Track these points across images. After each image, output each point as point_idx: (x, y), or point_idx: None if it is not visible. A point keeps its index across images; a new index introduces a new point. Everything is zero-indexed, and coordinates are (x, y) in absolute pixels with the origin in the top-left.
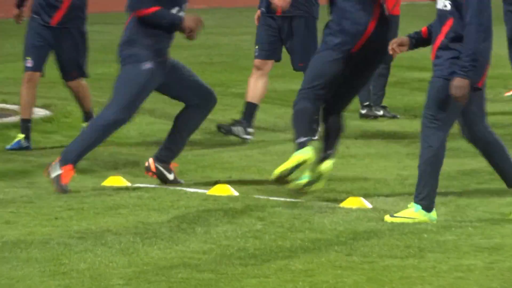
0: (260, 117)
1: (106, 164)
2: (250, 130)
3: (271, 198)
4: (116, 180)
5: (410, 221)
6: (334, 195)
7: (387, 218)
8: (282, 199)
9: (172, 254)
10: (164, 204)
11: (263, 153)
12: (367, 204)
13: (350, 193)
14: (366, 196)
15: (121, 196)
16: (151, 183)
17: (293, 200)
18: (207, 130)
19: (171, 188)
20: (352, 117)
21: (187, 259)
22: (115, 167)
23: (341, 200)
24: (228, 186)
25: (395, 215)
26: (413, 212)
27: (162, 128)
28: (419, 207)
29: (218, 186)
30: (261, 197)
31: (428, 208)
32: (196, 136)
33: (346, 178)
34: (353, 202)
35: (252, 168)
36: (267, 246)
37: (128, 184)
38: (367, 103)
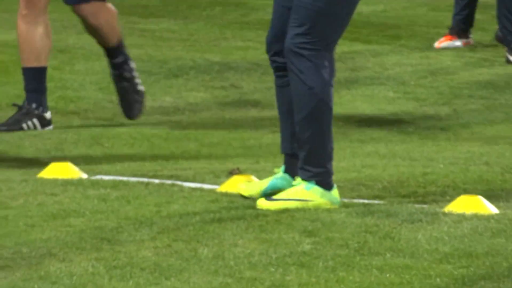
0: None
1: (46, 143)
2: None
3: None
4: (62, 169)
5: (300, 204)
6: (433, 191)
7: (261, 203)
8: (346, 199)
9: None
10: (144, 209)
11: None
12: (490, 208)
13: (460, 189)
14: (487, 194)
15: (72, 196)
16: (122, 174)
17: (364, 201)
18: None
19: (156, 182)
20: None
21: None
22: (59, 147)
23: (446, 201)
24: (253, 178)
25: (274, 197)
26: (303, 191)
27: None
28: (311, 184)
29: (234, 178)
30: None
31: (325, 184)
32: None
33: (448, 163)
34: (466, 204)
35: None
36: (321, 281)
37: (83, 175)
38: None
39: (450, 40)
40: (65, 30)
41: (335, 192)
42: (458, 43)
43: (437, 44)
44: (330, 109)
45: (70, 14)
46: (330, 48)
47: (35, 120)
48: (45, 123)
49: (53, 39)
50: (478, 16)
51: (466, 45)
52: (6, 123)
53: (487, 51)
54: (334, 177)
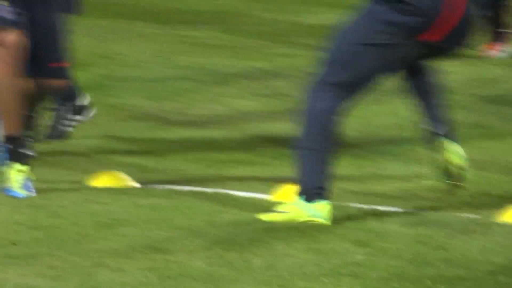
0: None
1: (95, 151)
2: None
3: (378, 207)
4: (113, 178)
5: (285, 217)
6: (486, 201)
7: (264, 215)
8: (398, 209)
9: None
10: (197, 219)
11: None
12: None
13: None
14: None
15: (123, 205)
16: (172, 183)
17: (415, 210)
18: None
19: (209, 191)
20: None
21: None
22: (109, 156)
23: (499, 211)
24: None
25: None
26: (293, 206)
27: None
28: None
29: (287, 187)
30: (363, 206)
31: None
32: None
33: (502, 173)
34: None
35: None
36: None
37: (134, 184)
38: None
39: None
40: (106, 35)
41: (321, 205)
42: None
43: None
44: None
45: (112, 21)
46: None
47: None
48: (77, 111)
49: (94, 45)
50: None
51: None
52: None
53: None
54: (386, 187)
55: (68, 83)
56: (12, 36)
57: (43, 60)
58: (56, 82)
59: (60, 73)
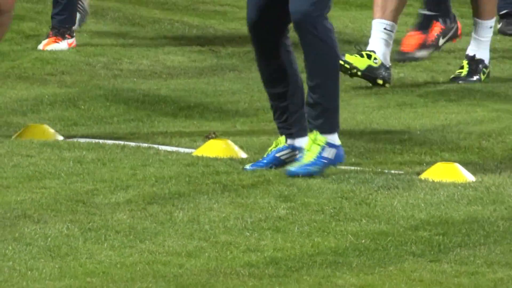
0: None
1: (20, 104)
2: None
3: None
4: (38, 131)
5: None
6: (409, 159)
7: None
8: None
9: (135, 257)
10: (120, 172)
11: None
12: (467, 175)
13: (437, 157)
14: (463, 162)
15: (47, 158)
16: (98, 137)
17: (340, 167)
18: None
19: (132, 145)
20: None
21: (160, 265)
22: (35, 109)
23: (422, 169)
24: (229, 143)
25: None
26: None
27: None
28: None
29: (211, 142)
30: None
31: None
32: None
33: (425, 130)
34: (442, 171)
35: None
36: (296, 246)
37: (59, 137)
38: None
39: None
40: None
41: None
42: None
43: None
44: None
45: None
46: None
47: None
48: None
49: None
50: None
51: None
52: None
53: None
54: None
55: None
56: None
57: None
58: None
59: None
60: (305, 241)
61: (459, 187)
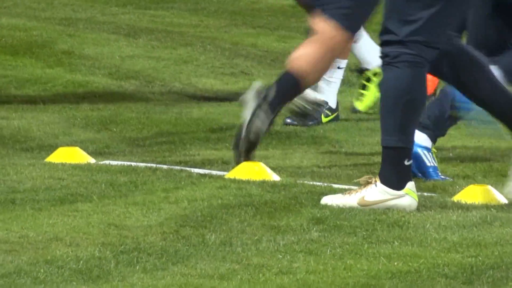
0: None
1: (52, 127)
2: None
3: (335, 185)
4: (70, 154)
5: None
6: (442, 181)
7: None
8: (352, 186)
9: (167, 279)
10: (152, 195)
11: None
12: (499, 198)
13: (470, 179)
14: (496, 184)
15: (79, 181)
16: (130, 159)
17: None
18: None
19: (165, 167)
20: None
21: (192, 286)
22: (67, 131)
23: (455, 191)
24: (262, 166)
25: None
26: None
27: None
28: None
29: (243, 165)
30: (320, 183)
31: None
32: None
33: (457, 152)
34: (475, 194)
35: (317, 138)
36: (329, 269)
37: (91, 160)
38: None
39: None
40: (75, 14)
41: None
42: None
43: None
44: None
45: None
46: None
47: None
48: None
49: (63, 23)
50: None
51: None
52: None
53: None
54: (341, 165)
55: None
56: None
57: None
58: None
59: None
60: (337, 263)
61: (492, 209)
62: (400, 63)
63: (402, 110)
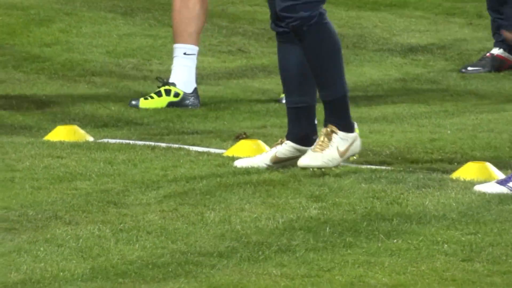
0: None
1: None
2: None
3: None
4: (68, 132)
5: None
6: (440, 158)
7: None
8: (354, 165)
9: (166, 257)
10: (151, 173)
11: None
12: (498, 174)
13: (468, 156)
14: (495, 161)
15: (78, 159)
16: (128, 137)
17: (372, 166)
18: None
19: (163, 145)
20: None
21: (192, 265)
22: (65, 110)
23: (454, 168)
24: (260, 143)
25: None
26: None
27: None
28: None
29: (242, 142)
30: None
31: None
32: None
33: (456, 129)
34: (474, 171)
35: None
36: (328, 246)
37: (89, 138)
38: None
39: None
40: None
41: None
42: None
43: None
44: None
45: None
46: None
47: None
48: None
49: (60, 2)
50: None
51: None
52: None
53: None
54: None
55: None
56: None
57: None
58: None
59: None
60: (336, 241)
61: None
62: (324, 20)
63: (339, 60)
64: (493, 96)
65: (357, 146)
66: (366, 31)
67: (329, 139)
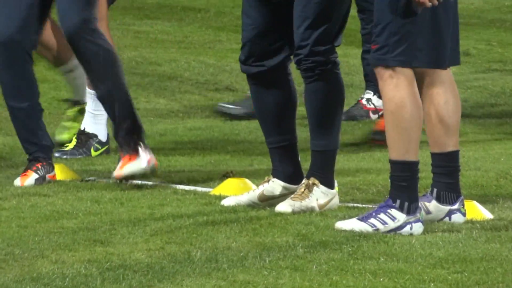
0: None
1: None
2: None
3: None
4: (55, 171)
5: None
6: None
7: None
8: (340, 204)
9: None
10: (138, 211)
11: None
12: (485, 213)
13: None
14: (482, 199)
15: (65, 198)
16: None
17: (358, 205)
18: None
19: (150, 184)
20: None
21: None
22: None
23: None
24: (246, 181)
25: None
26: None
27: None
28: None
29: (228, 181)
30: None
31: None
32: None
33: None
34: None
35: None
36: (315, 285)
37: (76, 177)
38: None
39: None
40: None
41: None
42: None
43: None
44: None
45: None
46: None
47: None
48: None
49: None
50: None
51: None
52: None
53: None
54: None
55: None
56: None
57: None
58: None
59: None
60: (323, 279)
61: (477, 224)
62: (337, 70)
63: (341, 113)
64: (479, 133)
65: (335, 203)
66: (353, 69)
67: (310, 191)
